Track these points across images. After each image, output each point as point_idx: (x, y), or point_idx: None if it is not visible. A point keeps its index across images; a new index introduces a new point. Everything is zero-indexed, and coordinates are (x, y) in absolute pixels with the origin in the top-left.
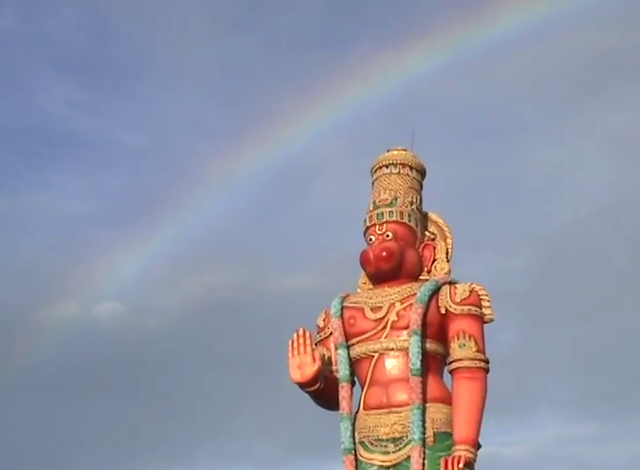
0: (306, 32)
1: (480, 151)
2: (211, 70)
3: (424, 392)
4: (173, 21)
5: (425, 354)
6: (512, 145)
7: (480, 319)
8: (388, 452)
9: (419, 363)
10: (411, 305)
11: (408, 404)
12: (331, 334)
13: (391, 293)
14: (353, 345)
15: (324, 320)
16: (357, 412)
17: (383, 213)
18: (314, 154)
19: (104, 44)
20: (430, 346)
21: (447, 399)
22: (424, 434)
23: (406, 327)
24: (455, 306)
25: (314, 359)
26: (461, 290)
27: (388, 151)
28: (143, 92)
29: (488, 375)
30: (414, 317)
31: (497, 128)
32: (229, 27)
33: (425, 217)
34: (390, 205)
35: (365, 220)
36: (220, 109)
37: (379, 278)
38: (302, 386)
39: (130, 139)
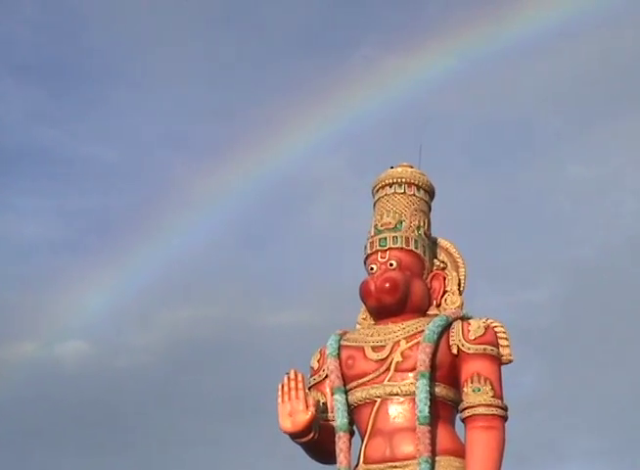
0: (300, 34)
1: (497, 168)
2: (194, 76)
3: (433, 443)
4: (150, 21)
5: (434, 400)
6: (534, 161)
7: (498, 360)
8: None
9: (427, 410)
10: (418, 343)
11: (415, 457)
12: (326, 377)
13: (395, 330)
14: (352, 389)
15: (319, 361)
16: (357, 466)
17: (386, 239)
18: (310, 171)
19: (70, 47)
20: (439, 390)
21: (459, 452)
22: None
23: (412, 369)
24: (468, 345)
25: (307, 406)
26: (475, 326)
27: (391, 167)
28: (115, 100)
29: (507, 424)
30: (421, 358)
31: (517, 143)
32: (213, 28)
33: (434, 244)
34: (394, 229)
35: (366, 247)
36: (203, 119)
37: (381, 313)
38: (294, 436)
39: (99, 153)
